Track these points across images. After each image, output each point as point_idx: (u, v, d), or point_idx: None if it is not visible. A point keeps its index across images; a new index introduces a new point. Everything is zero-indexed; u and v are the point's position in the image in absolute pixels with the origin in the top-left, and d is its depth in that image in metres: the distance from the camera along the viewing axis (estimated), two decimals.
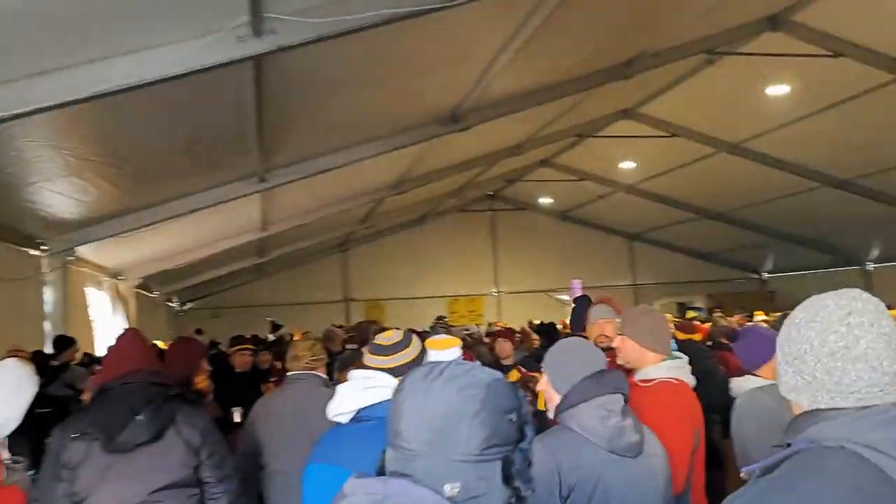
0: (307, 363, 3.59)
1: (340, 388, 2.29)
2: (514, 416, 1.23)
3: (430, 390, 1.21)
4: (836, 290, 1.31)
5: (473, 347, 7.76)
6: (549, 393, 2.49)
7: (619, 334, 3.02)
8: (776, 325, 6.35)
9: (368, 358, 2.33)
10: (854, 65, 9.52)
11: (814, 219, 16.55)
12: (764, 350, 3.46)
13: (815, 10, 8.83)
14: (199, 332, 13.70)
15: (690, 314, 13.66)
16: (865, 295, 1.32)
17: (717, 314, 14.57)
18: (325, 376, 3.75)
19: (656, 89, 11.62)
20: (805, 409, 1.31)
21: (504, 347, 5.93)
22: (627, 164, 14.96)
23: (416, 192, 13.71)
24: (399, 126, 8.49)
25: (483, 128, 9.58)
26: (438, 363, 1.27)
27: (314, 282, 20.21)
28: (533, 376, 5.42)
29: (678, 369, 2.92)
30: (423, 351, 2.43)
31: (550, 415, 2.50)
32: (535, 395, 4.89)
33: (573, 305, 5.02)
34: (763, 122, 12.09)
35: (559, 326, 13.59)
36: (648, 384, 2.84)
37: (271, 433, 3.53)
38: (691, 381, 2.95)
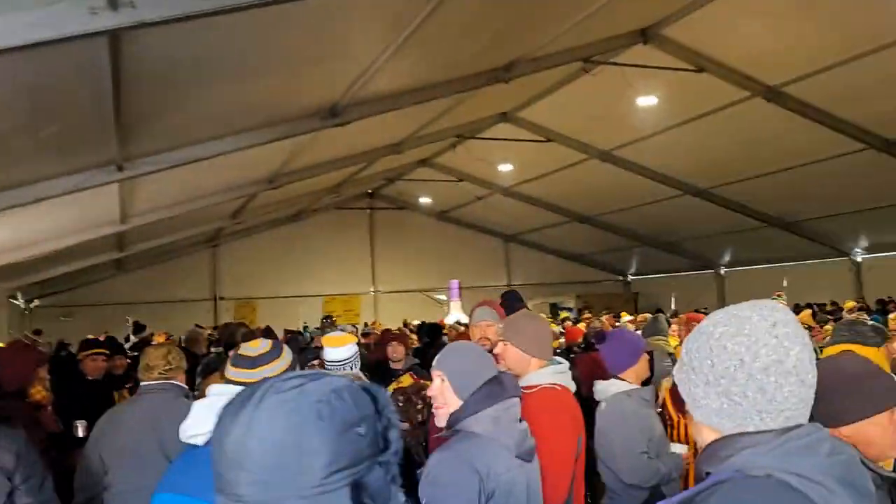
0: (161, 372, 3.24)
1: (196, 407, 2.03)
2: (362, 429, 1.04)
3: (250, 422, 1.00)
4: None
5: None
6: (447, 398, 2.37)
7: (501, 340, 2.93)
8: (645, 329, 6.59)
9: (231, 371, 2.08)
10: (714, 80, 10.12)
11: (675, 225, 17.58)
12: (629, 354, 3.52)
13: (682, 27, 9.30)
14: (37, 333, 12.46)
15: (563, 315, 14.16)
16: (780, 305, 1.25)
17: (585, 315, 15.14)
18: (183, 386, 3.40)
19: (535, 94, 11.85)
20: (725, 433, 1.20)
21: (397, 350, 5.72)
22: (505, 167, 15.21)
23: (292, 188, 13.24)
24: (275, 118, 8.09)
25: (363, 124, 9.35)
26: (258, 384, 1.06)
27: (181, 279, 19.14)
28: (425, 384, 5.30)
29: (560, 375, 2.87)
30: (295, 362, 2.21)
31: (441, 422, 2.38)
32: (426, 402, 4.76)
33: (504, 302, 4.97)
34: (632, 132, 12.65)
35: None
36: (532, 391, 2.76)
37: (118, 449, 3.15)
38: (572, 386, 2.91)
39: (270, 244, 19.94)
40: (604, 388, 3.48)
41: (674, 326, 6.98)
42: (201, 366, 5.17)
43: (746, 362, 1.16)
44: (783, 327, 1.18)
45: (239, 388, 1.98)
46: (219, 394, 2.01)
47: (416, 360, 5.83)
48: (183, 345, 8.96)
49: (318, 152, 11.02)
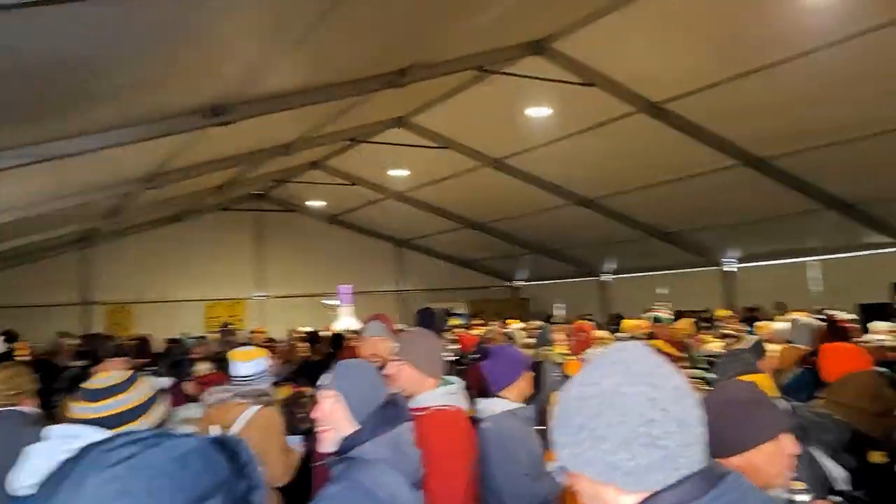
0: (5, 398, 2.86)
1: (30, 451, 1.74)
2: (217, 501, 0.85)
3: None
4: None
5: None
6: (338, 421, 2.19)
7: (395, 358, 2.77)
8: (538, 339, 6.62)
9: (73, 407, 1.81)
10: (603, 94, 10.42)
11: (563, 233, 18.05)
12: (511, 371, 3.45)
13: (572, 41, 9.49)
14: None
15: (454, 321, 14.17)
16: (633, 341, 1.18)
17: (475, 321, 15.24)
18: (33, 410, 3.03)
19: (429, 100, 11.79)
20: (657, 489, 1.05)
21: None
22: (399, 172, 15.07)
23: (173, 187, 12.55)
24: (154, 114, 7.59)
25: (250, 124, 8.97)
26: (79, 456, 0.84)
27: (47, 282, 17.65)
28: (304, 392, 5.05)
29: (452, 395, 2.75)
30: (155, 395, 1.96)
31: (329, 446, 2.20)
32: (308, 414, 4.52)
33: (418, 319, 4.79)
34: (525, 141, 12.84)
35: (323, 332, 13.30)
36: (424, 413, 2.63)
37: None
38: (466, 406, 2.79)
39: (149, 245, 18.81)
40: (486, 407, 3.39)
41: (561, 335, 7.04)
42: (63, 381, 4.71)
43: (656, 398, 1.05)
44: (655, 354, 1.12)
45: (80, 428, 1.73)
46: (58, 436, 1.73)
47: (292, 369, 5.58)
48: (43, 356, 8.24)
49: (202, 151, 10.48)
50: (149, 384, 1.93)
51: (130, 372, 1.98)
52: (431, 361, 2.75)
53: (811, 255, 15.56)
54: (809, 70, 8.89)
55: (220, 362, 5.52)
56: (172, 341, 11.43)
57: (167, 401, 2.97)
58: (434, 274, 22.80)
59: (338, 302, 18.55)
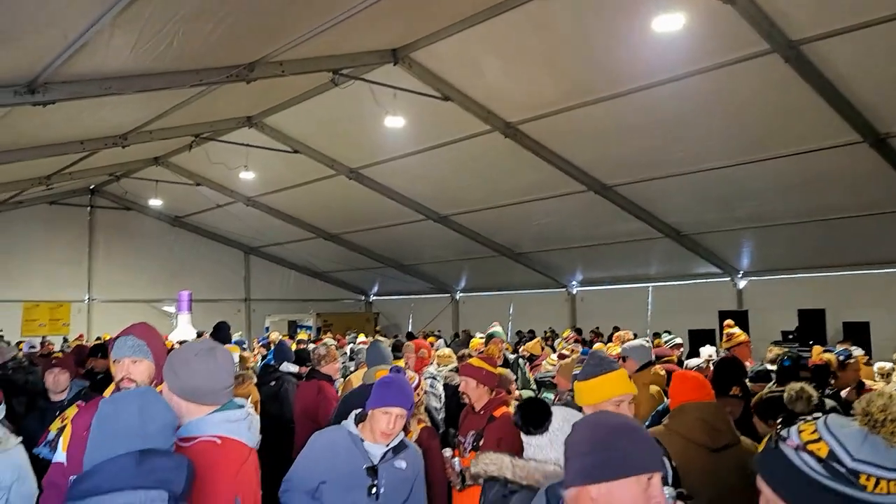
0: None
1: None
2: None
3: None
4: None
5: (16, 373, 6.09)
6: None
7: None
8: (368, 356, 6.34)
9: None
10: (459, 110, 10.40)
11: (416, 248, 17.98)
12: None
13: (430, 53, 9.40)
14: None
15: (302, 335, 13.61)
16: None
17: (326, 335, 14.75)
18: None
19: (283, 101, 11.27)
20: None
21: (59, 380, 4.65)
22: (248, 175, 14.29)
23: None
24: None
25: (76, 107, 8.11)
26: None
27: None
28: None
29: (233, 423, 2.29)
30: None
31: None
32: None
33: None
34: (380, 151, 12.62)
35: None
36: (188, 444, 2.21)
37: None
38: (252, 439, 2.35)
39: None
40: None
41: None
42: None
43: None
44: None
45: None
46: None
47: (85, 383, 4.91)
48: None
49: (21, 134, 9.39)
50: None
51: None
52: (192, 384, 2.28)
53: (648, 282, 16.47)
54: (647, 104, 9.34)
55: None
56: None
57: None
58: (283, 284, 22.08)
59: (176, 309, 17.37)
